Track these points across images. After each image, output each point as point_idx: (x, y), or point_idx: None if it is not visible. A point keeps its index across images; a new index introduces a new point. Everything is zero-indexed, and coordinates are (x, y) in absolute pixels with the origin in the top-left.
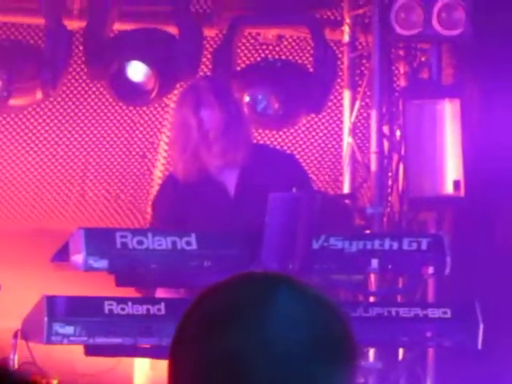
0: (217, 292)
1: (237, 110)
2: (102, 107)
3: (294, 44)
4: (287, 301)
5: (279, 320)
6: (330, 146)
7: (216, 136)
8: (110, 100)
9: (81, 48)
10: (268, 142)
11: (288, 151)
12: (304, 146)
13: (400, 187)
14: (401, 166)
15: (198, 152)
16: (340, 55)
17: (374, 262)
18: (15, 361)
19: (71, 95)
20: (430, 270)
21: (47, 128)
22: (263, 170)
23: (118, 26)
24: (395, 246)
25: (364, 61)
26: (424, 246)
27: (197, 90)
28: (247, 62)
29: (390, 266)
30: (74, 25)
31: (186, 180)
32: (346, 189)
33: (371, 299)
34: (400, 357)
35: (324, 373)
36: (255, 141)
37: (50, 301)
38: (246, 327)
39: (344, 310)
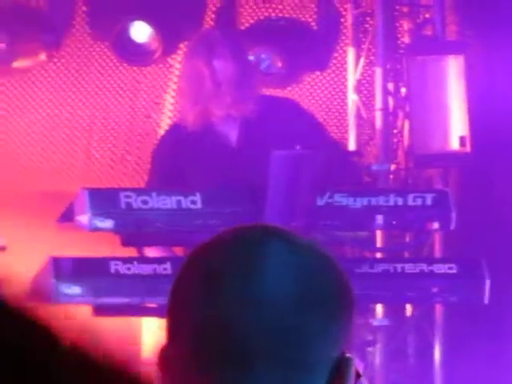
0: (207, 252)
1: (248, 62)
2: (106, 68)
3: (297, 2)
4: (277, 255)
5: (269, 277)
6: (335, 103)
7: (229, 87)
8: (114, 61)
9: (84, 8)
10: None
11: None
12: (309, 104)
13: (405, 144)
14: (406, 123)
15: (210, 103)
16: (343, 12)
17: (379, 218)
18: None
19: (75, 56)
20: (435, 225)
21: (51, 89)
22: (265, 120)
23: None
24: (400, 201)
25: (368, 18)
26: (429, 202)
27: (209, 40)
28: (250, 21)
29: (394, 222)
30: None
31: (193, 130)
32: (352, 146)
33: (378, 256)
34: (408, 314)
35: (318, 327)
36: None
37: (56, 262)
38: (235, 289)
39: (345, 264)
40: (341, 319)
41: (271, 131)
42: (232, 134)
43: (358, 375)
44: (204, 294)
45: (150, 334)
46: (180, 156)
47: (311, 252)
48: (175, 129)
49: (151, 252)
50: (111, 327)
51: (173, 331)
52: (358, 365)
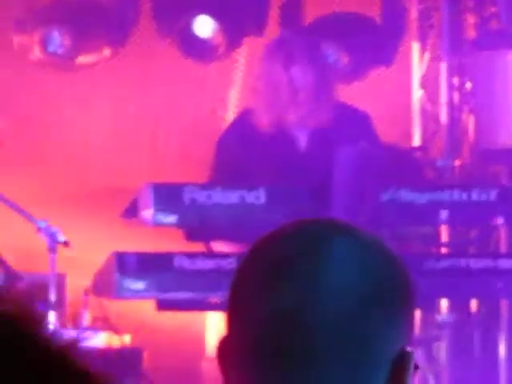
0: (270, 244)
1: (326, 70)
2: (171, 64)
3: None
4: (341, 250)
5: (333, 272)
6: (399, 98)
7: (307, 96)
8: (179, 56)
9: (148, 5)
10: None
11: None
12: (374, 100)
13: (471, 139)
14: (471, 118)
15: (286, 110)
16: (408, 7)
17: (444, 214)
18: (87, 317)
19: (140, 52)
20: (500, 220)
21: (116, 86)
22: (336, 128)
23: None
24: (464, 196)
25: (433, 12)
26: (493, 197)
27: (288, 45)
28: (315, 16)
29: (459, 217)
30: None
31: (264, 130)
32: (417, 141)
33: (443, 251)
34: (473, 309)
35: (381, 321)
36: None
37: (120, 257)
38: (299, 283)
39: (410, 259)
40: (403, 315)
41: (340, 140)
42: (302, 139)
43: (416, 367)
44: (266, 287)
45: (214, 331)
46: (246, 150)
47: (374, 247)
48: (241, 121)
49: (220, 247)
50: (175, 324)
51: (233, 324)
52: (417, 358)
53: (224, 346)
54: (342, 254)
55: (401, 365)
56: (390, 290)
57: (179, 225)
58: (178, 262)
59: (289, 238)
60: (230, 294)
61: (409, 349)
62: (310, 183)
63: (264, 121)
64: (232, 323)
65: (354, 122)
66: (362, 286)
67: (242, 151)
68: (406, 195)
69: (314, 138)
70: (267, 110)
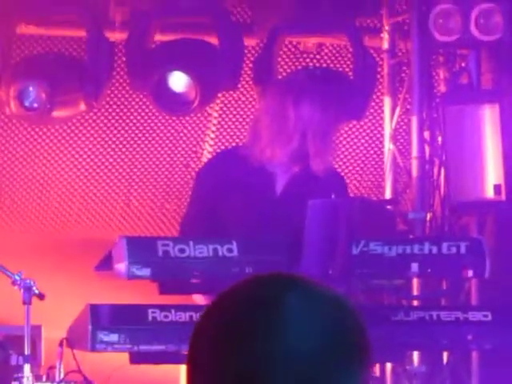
0: (221, 308)
1: (332, 118)
2: (146, 117)
3: (334, 52)
4: (300, 307)
5: (293, 329)
6: (371, 152)
7: (314, 138)
8: (153, 110)
9: (123, 59)
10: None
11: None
12: (346, 153)
13: (442, 192)
14: (442, 171)
15: (287, 144)
16: (380, 62)
17: (414, 266)
18: (61, 369)
19: (115, 106)
20: (470, 273)
21: (92, 139)
22: (312, 182)
23: (160, 37)
24: (434, 250)
25: (404, 67)
26: (463, 250)
27: (300, 85)
28: (288, 71)
29: (429, 270)
30: (115, 36)
31: (245, 163)
32: (388, 194)
33: (414, 303)
34: (444, 360)
35: (338, 378)
36: None
37: (94, 309)
38: (252, 343)
39: (381, 311)
40: (360, 369)
41: (314, 194)
42: (280, 183)
43: None
44: (218, 351)
45: None
46: (223, 183)
47: (331, 304)
48: (225, 156)
49: (198, 298)
50: (149, 376)
51: (192, 378)
52: None
53: None
54: (293, 315)
55: None
56: (347, 346)
57: (153, 278)
58: (151, 314)
59: (240, 300)
60: (188, 352)
61: None
62: (282, 236)
63: (266, 154)
64: (190, 377)
65: (330, 181)
66: (314, 345)
67: (219, 183)
68: (377, 248)
69: (291, 185)
70: (269, 144)
